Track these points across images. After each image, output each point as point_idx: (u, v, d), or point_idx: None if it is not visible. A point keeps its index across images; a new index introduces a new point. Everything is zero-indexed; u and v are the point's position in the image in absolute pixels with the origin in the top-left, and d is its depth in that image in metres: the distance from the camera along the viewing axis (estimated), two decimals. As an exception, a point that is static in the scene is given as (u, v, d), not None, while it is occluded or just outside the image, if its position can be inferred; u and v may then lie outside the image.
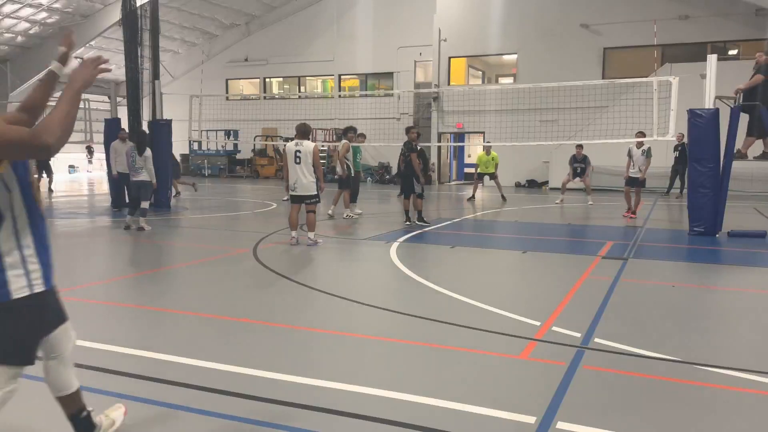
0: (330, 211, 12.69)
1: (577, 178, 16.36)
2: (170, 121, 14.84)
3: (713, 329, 5.27)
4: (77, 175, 31.06)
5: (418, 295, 6.33)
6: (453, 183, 26.72)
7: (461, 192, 21.04)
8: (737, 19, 21.41)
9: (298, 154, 8.82)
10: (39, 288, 2.54)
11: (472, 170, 22.93)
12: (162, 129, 14.69)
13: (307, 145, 8.88)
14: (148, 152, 10.80)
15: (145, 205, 10.85)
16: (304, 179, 8.85)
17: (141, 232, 10.45)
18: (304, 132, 9.05)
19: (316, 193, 8.96)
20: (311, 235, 9.09)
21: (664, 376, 4.02)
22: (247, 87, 32.95)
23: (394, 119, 25.70)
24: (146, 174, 10.75)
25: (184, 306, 5.80)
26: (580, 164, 16.22)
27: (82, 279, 7.07)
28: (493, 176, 17.50)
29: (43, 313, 2.62)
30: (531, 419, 3.30)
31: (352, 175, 12.78)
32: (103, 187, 17.77)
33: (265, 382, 3.83)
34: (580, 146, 15.87)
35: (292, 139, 9.34)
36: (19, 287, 2.48)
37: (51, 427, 3.24)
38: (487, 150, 17.54)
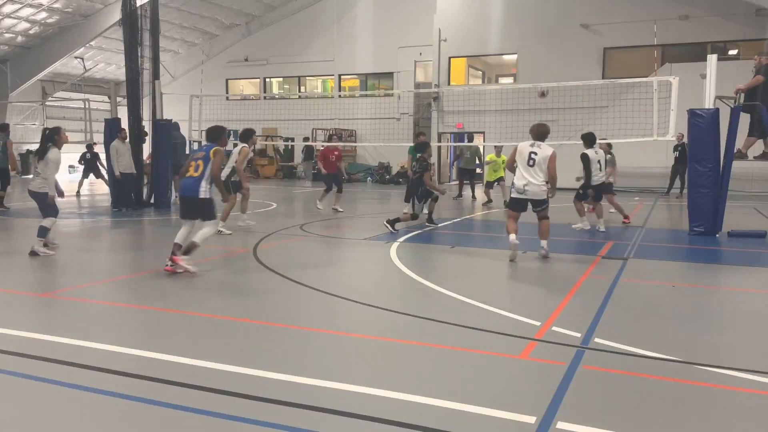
0: (319, 206, 13.08)
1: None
2: (171, 120, 14.85)
3: (713, 329, 5.27)
4: (77, 175, 31.01)
5: (418, 295, 6.33)
6: (453, 183, 26.70)
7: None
8: (737, 19, 21.40)
9: (533, 155, 8.18)
10: None
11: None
12: (162, 129, 14.68)
13: (545, 150, 8.23)
14: (55, 154, 8.15)
15: (46, 223, 8.13)
16: (535, 183, 8.18)
17: (35, 256, 7.92)
18: (541, 134, 8.37)
19: (545, 198, 8.33)
20: (545, 243, 8.33)
21: (664, 376, 4.02)
22: (247, 87, 32.94)
23: (394, 119, 25.70)
24: (39, 182, 8.14)
25: (184, 306, 5.80)
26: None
27: (82, 279, 7.06)
28: (500, 180, 16.14)
29: None
30: (531, 419, 3.30)
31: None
32: (104, 187, 17.74)
33: (266, 382, 3.83)
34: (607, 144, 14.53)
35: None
36: None
37: (51, 428, 3.26)
38: (498, 151, 16.40)
